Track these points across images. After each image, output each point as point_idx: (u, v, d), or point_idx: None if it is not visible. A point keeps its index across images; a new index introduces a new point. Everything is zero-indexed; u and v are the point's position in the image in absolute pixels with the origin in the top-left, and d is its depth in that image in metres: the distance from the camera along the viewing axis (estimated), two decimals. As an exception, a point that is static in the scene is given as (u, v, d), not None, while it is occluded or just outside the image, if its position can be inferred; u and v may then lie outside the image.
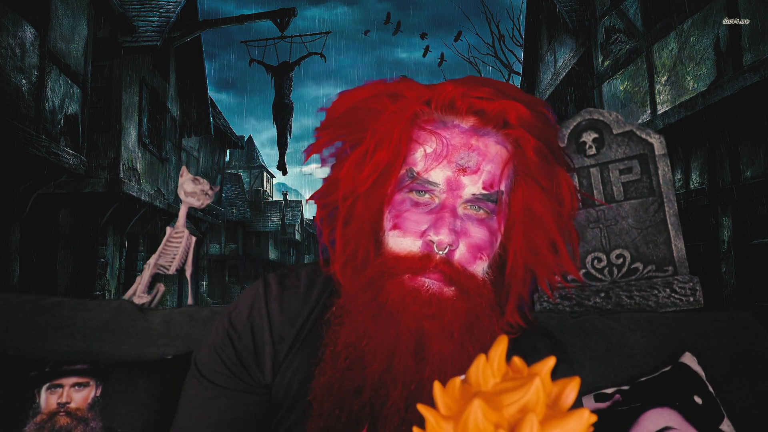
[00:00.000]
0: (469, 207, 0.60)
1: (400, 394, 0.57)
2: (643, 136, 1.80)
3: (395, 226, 0.60)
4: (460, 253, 0.58)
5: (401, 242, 0.59)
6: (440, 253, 0.57)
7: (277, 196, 32.04)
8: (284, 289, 0.69)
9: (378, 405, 0.58)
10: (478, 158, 0.59)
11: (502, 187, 0.60)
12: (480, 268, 0.60)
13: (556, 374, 0.66)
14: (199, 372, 0.69)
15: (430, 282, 0.58)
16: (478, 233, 0.59)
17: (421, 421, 0.49)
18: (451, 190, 0.58)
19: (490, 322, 0.59)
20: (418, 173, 0.59)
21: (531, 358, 0.68)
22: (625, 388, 1.06)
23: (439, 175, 0.58)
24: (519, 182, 0.62)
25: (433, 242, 0.57)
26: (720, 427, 0.98)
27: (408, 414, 0.56)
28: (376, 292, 0.59)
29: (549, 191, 0.62)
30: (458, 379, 0.37)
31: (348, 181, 0.61)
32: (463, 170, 0.58)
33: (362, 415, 0.58)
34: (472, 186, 0.58)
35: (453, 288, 0.58)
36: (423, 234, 0.58)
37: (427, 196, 0.59)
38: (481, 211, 0.60)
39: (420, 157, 0.60)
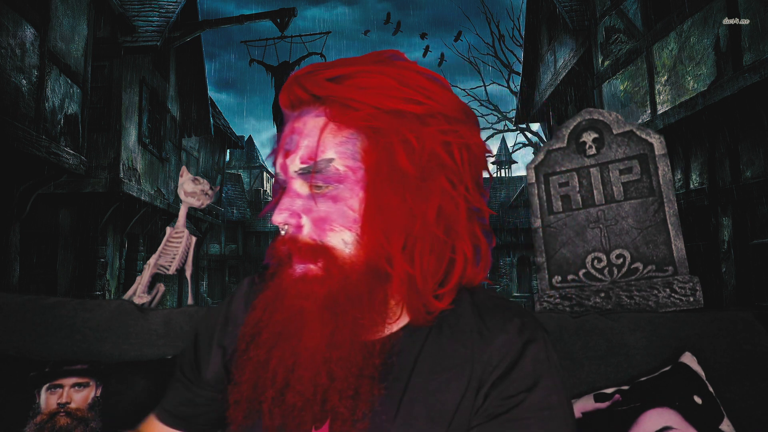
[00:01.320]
0: (311, 186, 0.59)
1: (283, 377, 0.58)
2: (643, 136, 1.80)
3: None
4: (307, 229, 0.59)
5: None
6: (282, 232, 0.60)
7: (277, 196, 31.92)
8: (253, 285, 0.72)
9: (272, 388, 0.60)
10: (297, 138, 0.60)
11: (331, 155, 0.58)
12: (336, 239, 0.58)
13: (526, 355, 0.59)
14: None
15: (299, 266, 0.59)
16: (321, 206, 0.58)
17: (301, 404, 0.57)
18: (284, 175, 0.61)
19: (360, 298, 0.57)
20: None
21: (478, 340, 0.60)
22: (625, 388, 1.06)
23: (278, 166, 0.62)
24: (373, 142, 0.58)
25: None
26: (720, 427, 0.98)
27: (287, 397, 0.58)
28: (270, 278, 0.62)
29: (405, 144, 0.57)
30: None
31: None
32: (287, 154, 0.60)
33: (263, 399, 0.60)
34: (292, 165, 0.60)
35: (317, 265, 0.58)
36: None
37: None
38: (323, 187, 0.58)
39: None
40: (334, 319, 0.56)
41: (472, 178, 0.61)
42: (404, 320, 0.63)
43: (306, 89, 0.59)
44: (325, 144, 0.58)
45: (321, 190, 0.58)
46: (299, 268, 0.58)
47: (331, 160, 0.57)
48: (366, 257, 0.57)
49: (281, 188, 0.63)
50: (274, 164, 0.64)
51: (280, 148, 0.61)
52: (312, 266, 0.58)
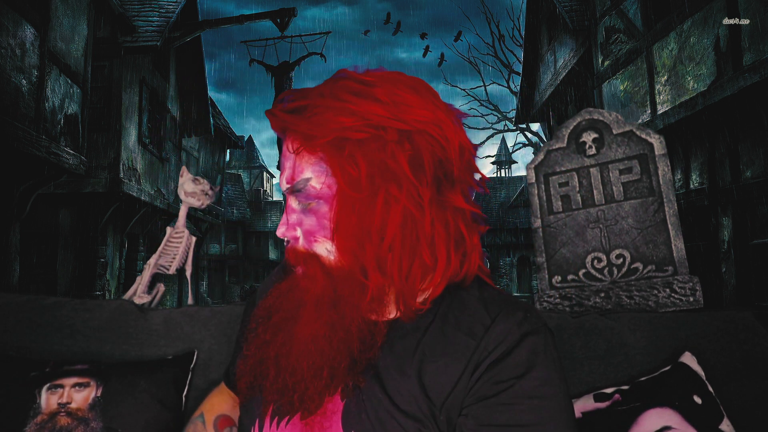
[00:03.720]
0: (299, 205, 0.67)
1: (283, 358, 0.65)
2: (643, 136, 1.80)
3: None
4: (301, 240, 0.67)
5: None
6: (285, 242, 0.69)
7: (277, 196, 32.05)
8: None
9: (273, 366, 0.67)
10: (284, 160, 0.67)
11: (308, 174, 0.64)
12: (321, 248, 0.65)
13: (522, 345, 0.60)
14: None
15: (300, 268, 0.68)
16: (307, 221, 0.66)
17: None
18: (284, 191, 0.69)
19: (349, 296, 0.63)
20: None
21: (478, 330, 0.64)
22: (625, 387, 1.06)
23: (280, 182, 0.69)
24: (333, 163, 0.63)
25: None
26: (720, 427, 0.98)
27: (283, 376, 0.65)
28: (289, 272, 0.70)
29: (350, 166, 0.62)
30: None
31: None
32: (281, 173, 0.68)
33: (265, 374, 0.67)
34: (285, 183, 0.67)
35: (310, 269, 0.66)
36: None
37: None
38: (306, 203, 0.66)
39: None
40: (328, 311, 0.64)
41: (438, 179, 0.63)
42: None
43: (278, 118, 0.65)
44: (302, 165, 0.64)
45: (306, 206, 0.66)
46: (300, 270, 0.67)
47: (308, 179, 0.64)
48: (345, 265, 0.64)
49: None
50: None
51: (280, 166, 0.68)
52: (299, 269, 0.67)
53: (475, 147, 0.67)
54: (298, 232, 0.67)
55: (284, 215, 0.69)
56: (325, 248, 0.65)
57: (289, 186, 0.66)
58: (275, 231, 0.75)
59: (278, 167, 0.60)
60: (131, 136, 8.41)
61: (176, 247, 2.16)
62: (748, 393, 1.12)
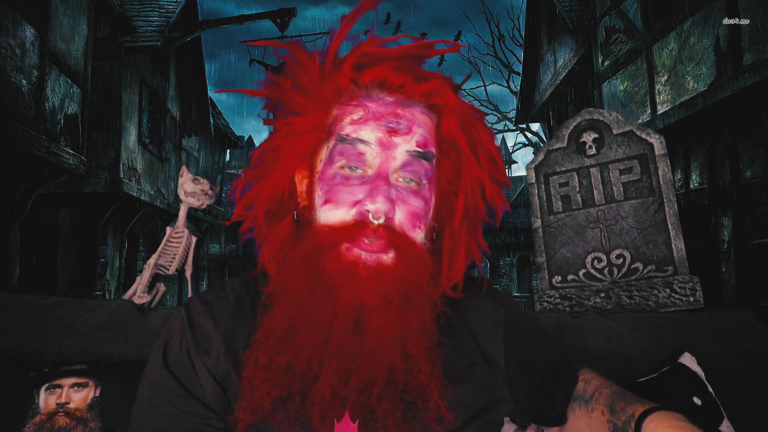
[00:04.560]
0: (401, 179, 0.61)
1: (335, 368, 0.56)
2: (643, 136, 1.80)
3: (327, 201, 0.60)
4: (399, 220, 0.59)
5: (334, 214, 0.59)
6: (376, 221, 0.57)
7: (277, 196, 31.91)
8: (209, 303, 0.67)
9: (310, 379, 0.57)
10: (407, 122, 0.61)
11: (434, 151, 0.63)
12: (419, 236, 0.61)
13: (508, 326, 0.69)
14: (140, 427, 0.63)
15: (366, 254, 0.57)
16: (414, 202, 0.60)
17: (356, 395, 0.55)
18: (385, 149, 0.59)
19: (428, 289, 0.60)
20: (347, 134, 0.60)
21: (479, 319, 0.70)
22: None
23: (370, 135, 0.59)
24: (444, 154, 0.65)
25: (368, 211, 0.57)
26: (719, 428, 0.98)
27: (341, 387, 0.56)
28: (313, 266, 0.58)
29: (478, 159, 0.64)
30: None
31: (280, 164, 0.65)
32: (395, 132, 0.60)
33: (292, 391, 0.57)
34: (406, 144, 0.60)
35: (392, 254, 0.58)
36: (356, 204, 0.58)
37: (359, 170, 0.60)
38: (413, 183, 0.61)
39: (347, 123, 0.61)
40: (398, 309, 0.58)
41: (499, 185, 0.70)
42: None
43: (430, 90, 0.61)
44: (431, 139, 0.63)
45: (417, 184, 0.61)
46: (369, 258, 0.57)
47: (433, 154, 0.63)
48: (432, 255, 0.62)
49: (366, 171, 0.60)
50: (359, 124, 0.60)
51: (374, 119, 0.59)
52: (385, 255, 0.58)
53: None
54: (398, 211, 0.59)
55: (383, 186, 0.58)
56: (420, 236, 0.61)
57: (419, 150, 0.60)
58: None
59: (364, 115, 0.60)
60: (131, 136, 8.41)
61: (176, 247, 2.16)
62: (748, 393, 1.12)
